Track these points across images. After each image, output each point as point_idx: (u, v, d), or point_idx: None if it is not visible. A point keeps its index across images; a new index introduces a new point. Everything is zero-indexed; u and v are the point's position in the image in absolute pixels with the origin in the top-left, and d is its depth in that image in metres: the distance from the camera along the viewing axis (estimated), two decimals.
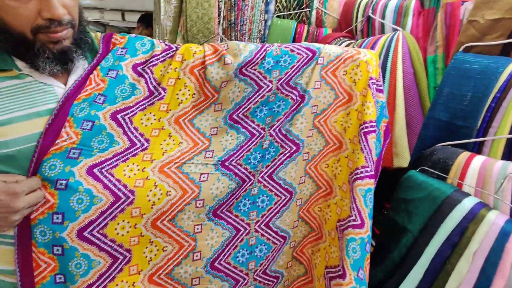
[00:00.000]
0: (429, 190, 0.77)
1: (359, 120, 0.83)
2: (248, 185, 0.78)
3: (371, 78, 0.83)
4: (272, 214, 0.82)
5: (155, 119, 0.74)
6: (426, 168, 0.83)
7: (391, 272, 0.79)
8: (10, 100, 0.59)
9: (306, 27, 1.55)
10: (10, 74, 0.60)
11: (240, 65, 0.79)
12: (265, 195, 0.81)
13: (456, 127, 0.84)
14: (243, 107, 0.80)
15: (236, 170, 0.77)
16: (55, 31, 0.59)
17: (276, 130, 0.81)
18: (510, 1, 0.79)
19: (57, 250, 0.63)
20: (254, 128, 0.80)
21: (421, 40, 1.13)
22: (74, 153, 0.64)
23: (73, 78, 0.67)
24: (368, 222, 0.77)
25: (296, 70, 0.83)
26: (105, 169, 0.66)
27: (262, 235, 0.83)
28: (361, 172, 0.79)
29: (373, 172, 0.79)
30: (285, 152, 0.82)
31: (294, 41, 1.56)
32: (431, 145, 0.89)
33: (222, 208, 0.76)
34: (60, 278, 0.64)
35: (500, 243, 0.64)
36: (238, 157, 0.78)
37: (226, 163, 0.77)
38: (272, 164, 0.81)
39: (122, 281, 0.69)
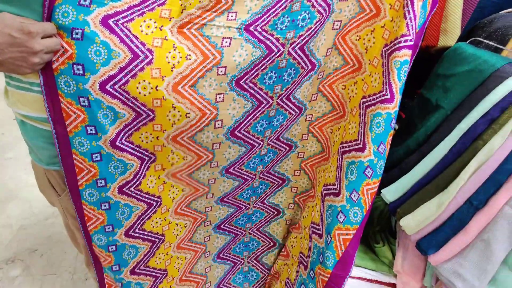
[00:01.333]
0: (476, 63, 0.67)
1: None
2: (276, 56, 0.71)
3: None
4: (294, 87, 0.79)
5: None
6: (480, 39, 0.71)
7: (413, 150, 0.77)
8: None
9: None
10: None
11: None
12: (292, 68, 0.75)
13: None
14: None
15: (261, 37, 0.69)
16: None
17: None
18: None
19: (84, 101, 0.65)
20: None
21: None
22: (85, 0, 0.60)
23: None
24: (398, 98, 0.71)
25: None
26: (120, 21, 0.63)
27: (282, 107, 0.81)
28: (400, 42, 0.69)
29: (412, 43, 0.69)
30: (321, 20, 0.73)
31: None
32: (492, 14, 0.75)
33: (245, 78, 0.72)
34: (91, 129, 0.68)
35: None
36: (264, 22, 0.69)
37: (251, 28, 0.68)
38: (307, 33, 0.72)
39: (146, 132, 0.72)
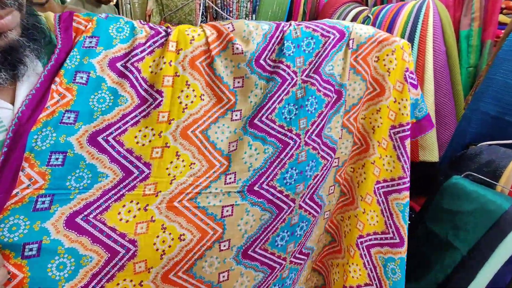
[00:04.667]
0: (481, 202, 0.66)
1: (391, 120, 0.70)
2: (287, 213, 0.62)
3: (407, 70, 0.69)
4: (306, 239, 0.69)
5: (154, 135, 0.54)
6: (473, 173, 0.72)
7: None
8: None
9: None
10: None
11: (254, 56, 0.60)
12: (304, 221, 0.66)
13: (508, 123, 0.72)
14: (266, 107, 0.61)
15: (269, 196, 0.60)
16: None
17: (313, 136, 0.64)
18: None
19: None
20: (285, 135, 0.62)
21: (451, 9, 0.96)
22: (43, 203, 0.45)
23: (23, 92, 0.45)
24: (406, 240, 0.68)
25: (323, 56, 0.65)
26: (91, 215, 0.48)
27: (295, 263, 0.69)
28: (399, 184, 0.68)
29: (409, 184, 0.69)
30: (326, 165, 0.67)
31: (291, 6, 1.33)
32: (472, 142, 0.78)
33: (254, 246, 0.61)
34: None
35: None
36: (270, 178, 0.61)
37: (255, 188, 0.59)
38: (314, 182, 0.65)
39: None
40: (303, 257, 0.71)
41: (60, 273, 0.46)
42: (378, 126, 0.71)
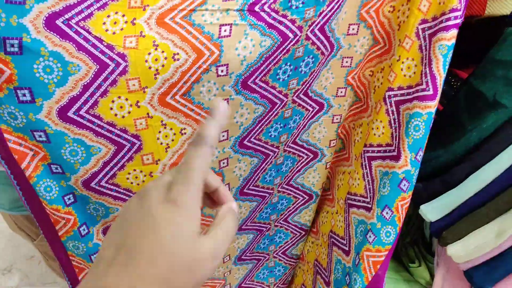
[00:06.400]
0: None
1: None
2: (292, 43, 0.55)
3: None
4: (312, 79, 0.64)
5: None
6: None
7: (462, 158, 0.63)
8: None
9: None
10: None
11: None
12: (311, 56, 0.59)
13: None
14: None
15: (270, 20, 0.52)
16: None
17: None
18: None
19: (40, 136, 0.50)
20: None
21: None
22: None
23: None
24: (440, 91, 0.57)
25: None
26: (74, 20, 0.45)
27: (299, 104, 0.67)
28: (449, 19, 0.52)
29: (461, 20, 0.54)
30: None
31: None
32: None
33: (254, 77, 0.56)
34: (56, 168, 0.54)
35: None
36: None
37: (256, 8, 0.51)
38: (328, 9, 0.55)
39: (134, 170, 0.57)
40: (308, 100, 0.68)
41: (48, 76, 0.46)
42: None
